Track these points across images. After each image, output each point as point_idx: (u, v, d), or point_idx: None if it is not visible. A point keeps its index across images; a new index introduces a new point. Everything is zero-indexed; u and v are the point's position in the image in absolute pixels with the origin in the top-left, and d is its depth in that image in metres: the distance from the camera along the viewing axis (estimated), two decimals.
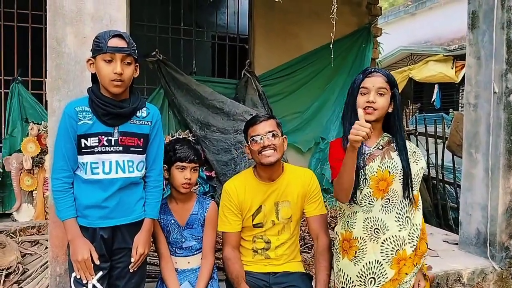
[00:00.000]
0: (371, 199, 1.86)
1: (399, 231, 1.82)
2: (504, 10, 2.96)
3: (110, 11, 1.91)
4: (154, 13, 4.56)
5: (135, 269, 1.80)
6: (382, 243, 1.83)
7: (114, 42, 1.65)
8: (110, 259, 1.77)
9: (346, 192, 1.81)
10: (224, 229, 2.12)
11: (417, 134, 5.52)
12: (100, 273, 1.72)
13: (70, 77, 1.89)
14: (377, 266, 1.84)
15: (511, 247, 3.04)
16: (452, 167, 4.91)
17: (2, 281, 2.28)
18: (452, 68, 8.88)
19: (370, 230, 1.86)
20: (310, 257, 2.84)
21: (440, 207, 5.12)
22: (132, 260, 1.78)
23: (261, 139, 2.03)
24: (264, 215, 2.12)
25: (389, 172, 1.84)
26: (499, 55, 2.98)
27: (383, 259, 1.83)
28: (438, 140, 5.17)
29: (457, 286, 2.84)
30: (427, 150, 5.31)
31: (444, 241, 3.47)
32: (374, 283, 1.84)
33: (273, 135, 2.05)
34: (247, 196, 2.12)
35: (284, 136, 2.14)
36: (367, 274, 1.85)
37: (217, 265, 2.32)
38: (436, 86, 9.82)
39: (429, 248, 3.18)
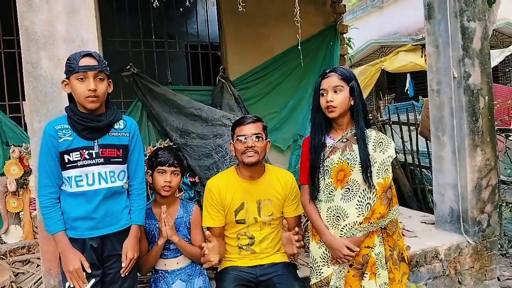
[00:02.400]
0: (331, 189, 2.01)
1: (357, 217, 1.96)
2: None
3: (81, 32, 2.00)
4: (125, 28, 4.62)
5: (126, 274, 1.90)
6: (342, 228, 1.98)
7: (85, 61, 1.76)
8: (101, 266, 1.86)
9: None
10: (208, 224, 2.25)
11: (391, 123, 5.71)
12: (93, 280, 1.81)
13: (48, 99, 1.98)
14: None
15: (482, 221, 3.21)
16: (426, 152, 5.11)
17: None
18: (422, 57, 9.13)
19: (333, 218, 2.01)
20: None
21: (419, 191, 5.31)
22: (123, 265, 1.87)
23: (245, 139, 2.15)
24: (247, 212, 2.24)
25: (348, 163, 1.98)
26: (455, 42, 3.16)
27: None
28: (411, 127, 5.37)
29: (435, 262, 3.00)
30: (402, 138, 5.50)
31: (422, 222, 3.64)
32: (336, 263, 2.01)
33: (258, 138, 2.17)
34: (229, 193, 2.24)
35: (268, 140, 2.28)
36: (328, 256, 2.03)
37: None
38: (408, 75, 10.08)
39: (407, 230, 3.37)
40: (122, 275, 1.89)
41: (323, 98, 2.00)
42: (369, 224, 1.95)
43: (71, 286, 1.80)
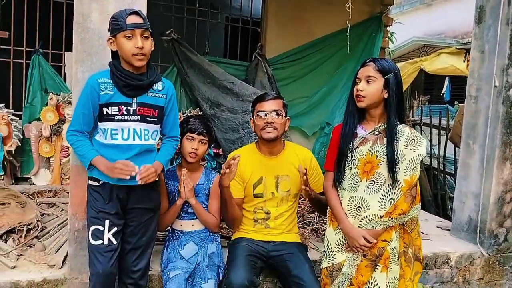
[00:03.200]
0: (356, 179, 2.02)
1: (379, 210, 1.97)
2: (510, 6, 3.02)
3: None
4: None
5: (142, 183, 1.86)
6: (362, 219, 2.00)
7: (132, 19, 1.79)
8: (124, 218, 1.95)
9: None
10: None
11: (422, 124, 5.62)
12: (115, 229, 1.90)
13: (93, 51, 2.04)
14: None
15: (500, 235, 3.17)
16: (453, 159, 5.03)
17: (23, 235, 2.50)
18: (464, 62, 8.86)
19: (354, 208, 2.03)
20: (308, 232, 3.02)
21: (440, 197, 5.25)
22: (138, 170, 1.84)
23: (265, 115, 2.21)
24: (265, 186, 2.30)
25: (377, 156, 1.98)
26: (502, 50, 3.06)
27: None
28: (441, 131, 5.27)
29: (444, 267, 3.00)
30: (430, 141, 5.42)
31: (437, 227, 3.61)
32: (350, 251, 2.03)
33: (277, 114, 2.22)
34: (248, 166, 2.30)
35: (288, 117, 2.31)
36: (344, 243, 2.05)
37: (221, 233, 2.51)
38: (447, 78, 9.80)
39: (421, 232, 3.35)
40: (138, 182, 1.85)
41: (356, 86, 2.00)
42: (390, 219, 1.96)
43: (98, 228, 1.87)
